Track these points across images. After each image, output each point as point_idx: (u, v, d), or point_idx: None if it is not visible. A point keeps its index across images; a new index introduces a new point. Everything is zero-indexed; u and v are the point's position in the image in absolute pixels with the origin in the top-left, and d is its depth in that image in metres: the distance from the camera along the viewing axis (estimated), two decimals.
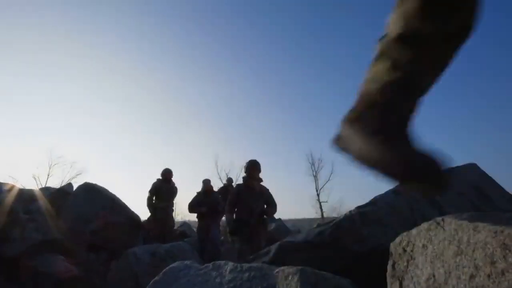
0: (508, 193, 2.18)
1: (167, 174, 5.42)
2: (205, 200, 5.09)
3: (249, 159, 3.67)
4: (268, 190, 3.57)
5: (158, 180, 5.50)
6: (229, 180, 6.54)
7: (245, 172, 3.57)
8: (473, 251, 0.57)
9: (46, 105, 42.50)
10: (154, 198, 5.35)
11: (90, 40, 43.99)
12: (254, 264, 0.96)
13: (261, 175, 3.59)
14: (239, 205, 3.37)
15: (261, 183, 3.58)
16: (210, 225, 4.96)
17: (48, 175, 23.92)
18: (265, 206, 3.47)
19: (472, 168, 2.22)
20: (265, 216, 3.44)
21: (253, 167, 3.51)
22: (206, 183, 5.40)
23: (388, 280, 0.90)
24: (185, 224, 8.08)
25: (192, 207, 5.16)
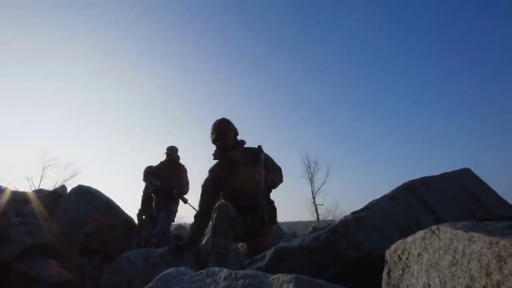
0: (502, 198, 2.20)
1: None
2: (164, 173, 4.16)
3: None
4: (259, 150, 2.34)
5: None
6: None
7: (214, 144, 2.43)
8: (469, 261, 0.57)
9: (41, 106, 42.17)
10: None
11: (85, 40, 43.79)
12: (249, 271, 0.95)
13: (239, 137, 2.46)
14: (225, 195, 2.29)
15: (245, 146, 2.44)
16: (166, 204, 4.04)
17: (42, 177, 23.67)
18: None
19: (466, 173, 2.23)
20: (269, 189, 2.30)
21: (217, 132, 2.37)
22: (170, 150, 4.39)
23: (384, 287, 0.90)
24: (180, 227, 8.01)
25: (146, 175, 4.18)
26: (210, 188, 2.40)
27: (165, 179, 4.10)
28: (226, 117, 2.53)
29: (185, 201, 4.34)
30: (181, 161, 4.54)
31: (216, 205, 2.10)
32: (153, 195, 4.25)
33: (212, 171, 2.45)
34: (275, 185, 2.36)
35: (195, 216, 2.45)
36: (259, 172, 2.16)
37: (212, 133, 2.45)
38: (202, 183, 2.47)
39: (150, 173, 4.20)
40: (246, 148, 2.48)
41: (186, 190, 4.27)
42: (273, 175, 2.36)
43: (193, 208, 4.65)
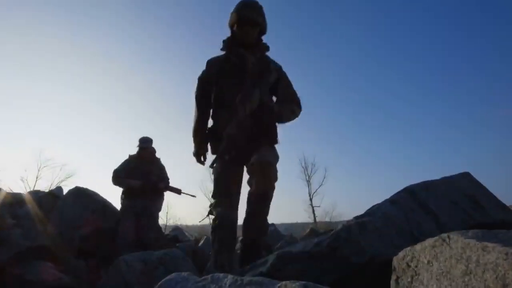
0: (500, 201, 2.21)
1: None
2: (139, 169, 3.60)
3: None
4: (271, 67, 1.89)
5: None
6: None
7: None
8: (483, 272, 0.57)
9: (37, 106, 41.84)
10: None
11: (80, 41, 43.59)
12: (255, 278, 0.94)
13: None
14: (215, 103, 1.92)
15: (267, 53, 1.98)
16: (146, 208, 3.60)
17: (37, 178, 23.43)
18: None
19: (465, 177, 2.25)
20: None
21: (242, 20, 1.83)
22: (144, 142, 3.72)
23: None
24: (177, 228, 7.97)
25: (117, 178, 3.58)
26: (206, 83, 1.94)
27: (143, 176, 3.60)
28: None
29: (179, 192, 3.81)
30: (164, 157, 4.11)
31: (218, 217, 1.87)
32: (123, 196, 3.77)
33: (210, 64, 1.93)
34: (282, 119, 1.87)
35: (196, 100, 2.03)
36: (245, 95, 1.66)
37: (232, 13, 1.82)
38: (199, 75, 2.02)
39: (120, 176, 3.65)
40: (266, 56, 1.95)
41: (169, 183, 3.78)
42: (282, 105, 1.84)
43: (191, 195, 4.06)
